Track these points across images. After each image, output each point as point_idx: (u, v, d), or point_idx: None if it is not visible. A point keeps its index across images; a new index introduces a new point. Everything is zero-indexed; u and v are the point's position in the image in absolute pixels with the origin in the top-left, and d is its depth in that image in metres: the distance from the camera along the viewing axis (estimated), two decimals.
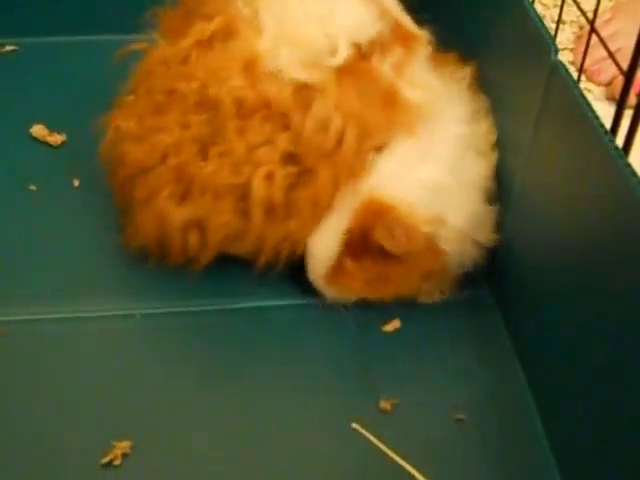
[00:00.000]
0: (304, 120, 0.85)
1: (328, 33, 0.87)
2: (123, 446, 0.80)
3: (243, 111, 0.86)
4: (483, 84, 0.93)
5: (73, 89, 1.19)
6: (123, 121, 0.92)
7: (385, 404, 0.84)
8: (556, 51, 0.79)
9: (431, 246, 0.86)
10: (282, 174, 0.85)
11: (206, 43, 0.89)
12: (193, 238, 0.88)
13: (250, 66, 0.87)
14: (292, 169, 0.86)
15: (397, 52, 0.89)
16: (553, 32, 0.81)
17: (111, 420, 0.83)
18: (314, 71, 0.86)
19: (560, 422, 0.81)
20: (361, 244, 0.86)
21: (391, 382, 0.88)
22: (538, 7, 0.85)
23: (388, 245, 0.84)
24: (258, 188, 0.85)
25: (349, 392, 0.87)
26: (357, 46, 0.88)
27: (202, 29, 0.89)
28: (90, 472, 0.79)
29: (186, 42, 0.90)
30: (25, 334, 0.91)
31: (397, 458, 0.77)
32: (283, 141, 0.85)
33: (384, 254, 0.86)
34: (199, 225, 0.88)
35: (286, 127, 0.86)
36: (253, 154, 0.85)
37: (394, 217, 0.84)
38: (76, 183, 1.07)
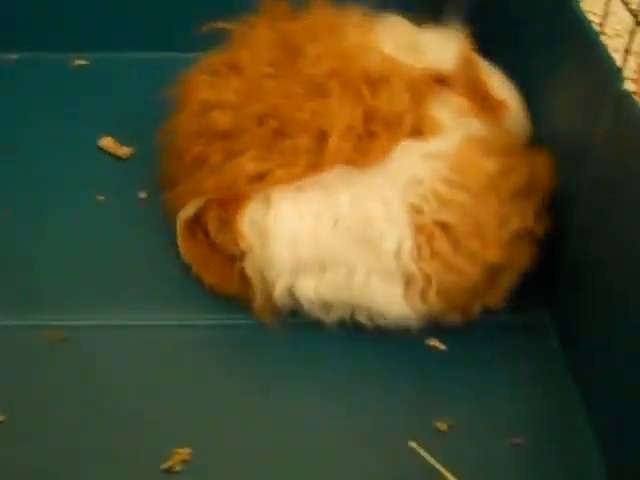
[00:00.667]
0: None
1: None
2: (183, 453, 0.81)
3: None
4: (547, 112, 0.93)
5: (141, 103, 1.20)
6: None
7: (440, 424, 0.84)
8: (622, 80, 0.80)
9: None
10: None
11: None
12: None
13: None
14: None
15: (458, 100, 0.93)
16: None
17: (171, 427, 0.84)
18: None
19: (619, 451, 0.80)
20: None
21: (445, 403, 0.88)
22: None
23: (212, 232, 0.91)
24: None
25: (403, 411, 0.87)
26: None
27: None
28: (151, 477, 0.80)
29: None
30: (87, 340, 0.92)
31: (453, 479, 0.77)
32: None
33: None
34: None
35: None
36: None
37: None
38: (142, 195, 1.08)
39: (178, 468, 0.80)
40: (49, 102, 1.23)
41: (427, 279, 0.85)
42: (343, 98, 0.89)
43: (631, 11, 0.81)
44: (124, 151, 1.14)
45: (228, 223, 0.90)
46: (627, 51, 0.82)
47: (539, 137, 0.98)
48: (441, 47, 0.97)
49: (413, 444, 0.80)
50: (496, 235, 0.85)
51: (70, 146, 1.15)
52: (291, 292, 0.89)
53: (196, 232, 0.94)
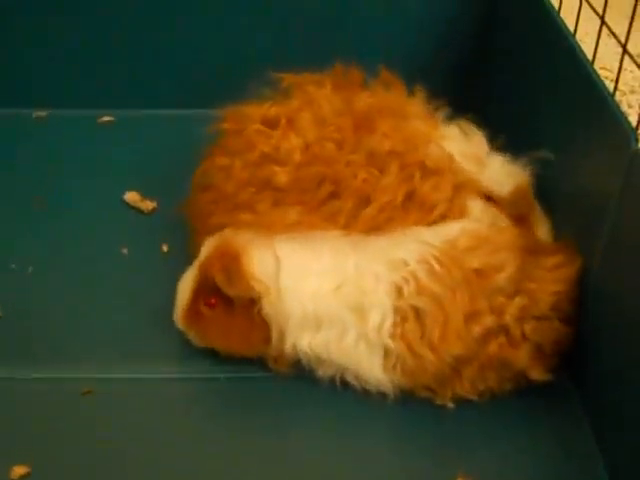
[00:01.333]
0: None
1: None
2: None
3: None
4: (563, 172, 0.92)
5: (165, 159, 1.22)
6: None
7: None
8: (637, 140, 0.78)
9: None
10: None
11: None
12: None
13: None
14: None
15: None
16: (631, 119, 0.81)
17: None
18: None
19: None
20: (210, 289, 0.88)
21: (467, 460, 0.85)
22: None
23: (223, 286, 0.86)
24: None
25: (425, 468, 0.85)
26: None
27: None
28: None
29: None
30: (105, 393, 0.91)
31: None
32: None
33: (229, 303, 0.88)
34: None
35: None
36: None
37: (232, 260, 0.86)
38: (165, 248, 1.08)
39: None
40: (77, 157, 1.24)
41: (398, 356, 0.86)
42: (396, 177, 0.90)
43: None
44: (147, 205, 1.14)
45: (238, 273, 0.87)
46: None
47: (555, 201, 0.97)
48: (503, 171, 0.97)
49: None
50: (461, 329, 0.83)
51: (96, 199, 1.16)
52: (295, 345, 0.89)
53: (198, 310, 0.91)
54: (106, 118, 1.31)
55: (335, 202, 0.90)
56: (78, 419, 0.88)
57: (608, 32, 0.87)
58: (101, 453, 0.85)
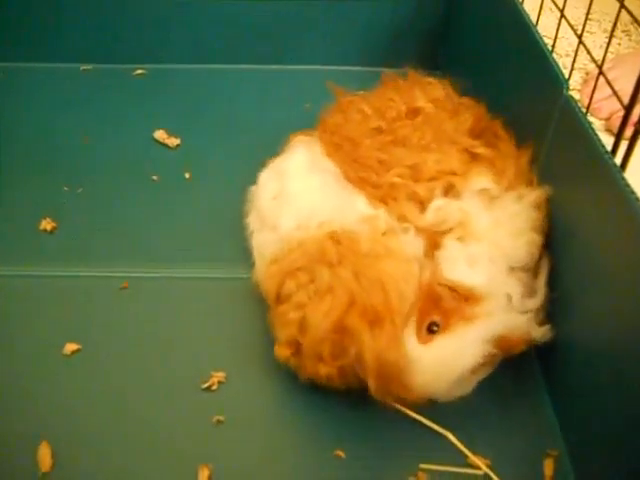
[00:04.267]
0: None
1: None
2: (219, 375, 0.82)
3: None
4: (509, 120, 0.91)
5: (187, 104, 1.22)
6: None
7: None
8: (568, 88, 0.80)
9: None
10: None
11: None
12: None
13: None
14: None
15: None
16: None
17: (212, 355, 0.84)
18: None
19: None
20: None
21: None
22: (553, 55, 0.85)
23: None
24: None
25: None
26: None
27: None
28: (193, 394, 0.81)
29: None
30: (145, 288, 0.92)
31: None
32: None
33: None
34: None
35: None
36: None
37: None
38: (187, 175, 1.09)
39: (215, 388, 0.81)
40: (115, 102, 1.23)
41: None
42: None
43: (575, 32, 0.81)
44: (173, 141, 1.15)
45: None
46: (572, 66, 0.82)
47: None
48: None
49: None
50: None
51: (131, 137, 1.16)
52: None
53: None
54: (139, 71, 1.30)
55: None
56: (118, 307, 0.90)
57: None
58: (138, 335, 0.87)
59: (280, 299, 0.76)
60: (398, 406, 0.75)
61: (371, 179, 0.80)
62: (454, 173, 0.79)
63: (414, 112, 0.87)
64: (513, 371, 0.81)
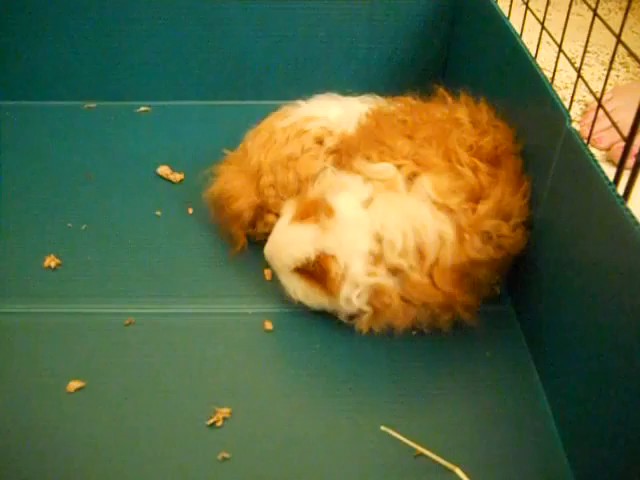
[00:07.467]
0: None
1: None
2: (224, 411, 0.81)
3: None
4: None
5: (191, 141, 1.23)
6: None
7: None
8: (570, 120, 0.80)
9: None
10: None
11: None
12: None
13: None
14: None
15: None
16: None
17: (216, 390, 0.84)
18: None
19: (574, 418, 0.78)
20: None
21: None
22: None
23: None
24: None
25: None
26: None
27: None
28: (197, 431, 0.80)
29: None
30: (148, 325, 0.92)
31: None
32: None
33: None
34: None
35: None
36: None
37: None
38: (190, 211, 1.09)
39: (220, 424, 0.80)
40: (119, 139, 1.24)
41: None
42: None
43: (574, 66, 0.81)
44: (176, 177, 1.15)
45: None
46: (572, 99, 0.82)
47: None
48: None
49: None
50: None
51: (135, 172, 1.17)
52: None
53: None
54: (143, 108, 1.31)
55: None
56: (123, 344, 0.89)
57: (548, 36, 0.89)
58: (142, 371, 0.86)
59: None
60: (406, 440, 0.76)
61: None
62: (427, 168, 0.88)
63: (448, 120, 0.93)
64: (520, 403, 0.81)
